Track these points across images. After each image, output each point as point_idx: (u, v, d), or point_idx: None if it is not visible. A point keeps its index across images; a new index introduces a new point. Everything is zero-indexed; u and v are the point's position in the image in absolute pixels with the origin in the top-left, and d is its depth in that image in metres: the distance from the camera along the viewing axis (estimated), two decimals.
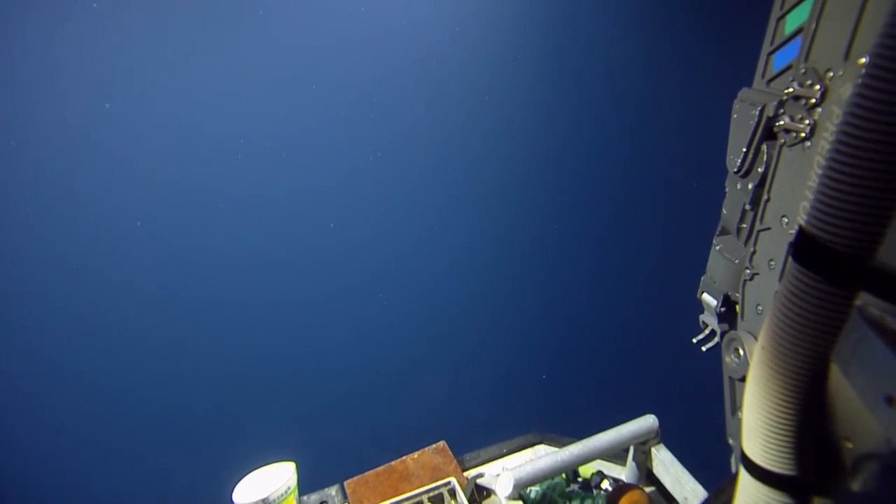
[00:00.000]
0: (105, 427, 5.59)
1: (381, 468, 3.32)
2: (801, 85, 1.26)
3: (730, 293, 1.68)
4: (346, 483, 3.26)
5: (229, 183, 5.83)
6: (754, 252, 1.52)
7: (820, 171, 0.83)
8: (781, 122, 1.33)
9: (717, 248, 1.69)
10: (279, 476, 2.72)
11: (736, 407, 1.69)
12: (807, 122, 1.26)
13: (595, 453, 2.84)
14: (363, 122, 6.25)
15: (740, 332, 1.62)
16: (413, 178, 6.59)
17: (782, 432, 0.92)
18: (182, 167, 5.61)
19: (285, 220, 6.13)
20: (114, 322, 5.56)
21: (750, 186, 1.47)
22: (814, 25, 1.23)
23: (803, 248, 0.82)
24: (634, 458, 3.03)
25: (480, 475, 3.29)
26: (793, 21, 1.33)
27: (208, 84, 5.59)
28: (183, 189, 5.64)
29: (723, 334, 1.72)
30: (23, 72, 4.92)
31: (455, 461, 3.33)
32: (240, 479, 2.76)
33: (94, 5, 4.91)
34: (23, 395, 5.41)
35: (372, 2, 5.93)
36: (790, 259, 0.85)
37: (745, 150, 1.45)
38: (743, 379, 1.59)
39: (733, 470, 1.67)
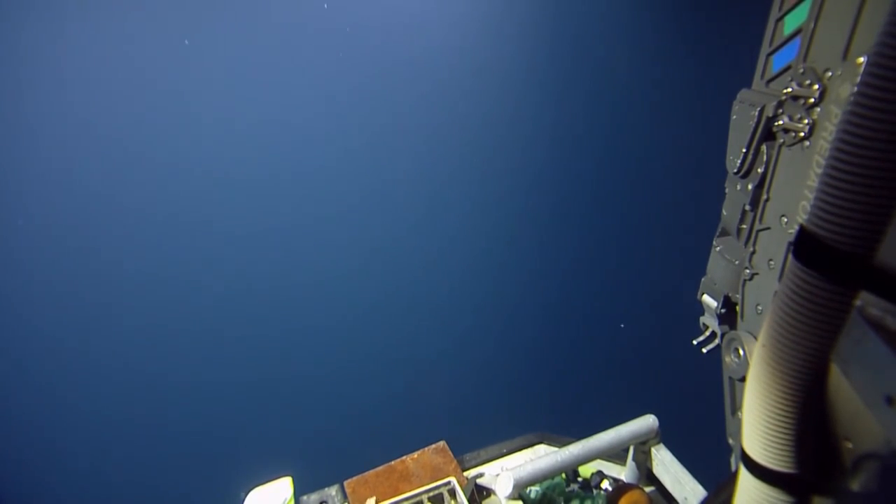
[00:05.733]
0: (109, 441, 5.59)
1: (381, 468, 3.32)
2: (799, 85, 1.27)
3: (730, 294, 1.68)
4: (346, 483, 3.25)
5: (232, 194, 5.81)
6: (754, 252, 1.52)
7: (820, 171, 0.83)
8: (780, 122, 1.34)
9: (717, 249, 1.69)
10: (276, 494, 2.85)
11: (736, 407, 1.69)
12: (806, 121, 1.26)
13: (595, 453, 2.84)
14: (373, 130, 6.25)
15: (740, 332, 1.62)
16: (413, 183, 6.59)
17: (782, 430, 0.92)
18: (183, 189, 5.58)
19: (286, 227, 6.12)
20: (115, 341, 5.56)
21: (749, 187, 1.48)
22: (812, 26, 1.23)
23: (804, 246, 0.82)
24: (634, 458, 3.03)
25: (480, 475, 3.29)
26: (791, 22, 1.33)
27: (208, 86, 5.58)
28: (185, 208, 5.61)
29: (723, 335, 1.72)
30: (25, 73, 4.93)
31: (455, 461, 3.33)
32: (243, 486, 2.87)
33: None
34: (35, 420, 5.42)
35: (379, 6, 5.94)
36: (791, 257, 0.85)
37: (744, 150, 1.45)
38: (743, 379, 1.59)
39: (733, 469, 1.67)
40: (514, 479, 2.61)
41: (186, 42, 5.23)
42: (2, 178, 5.12)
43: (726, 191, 1.61)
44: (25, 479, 5.48)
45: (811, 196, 0.94)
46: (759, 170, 1.44)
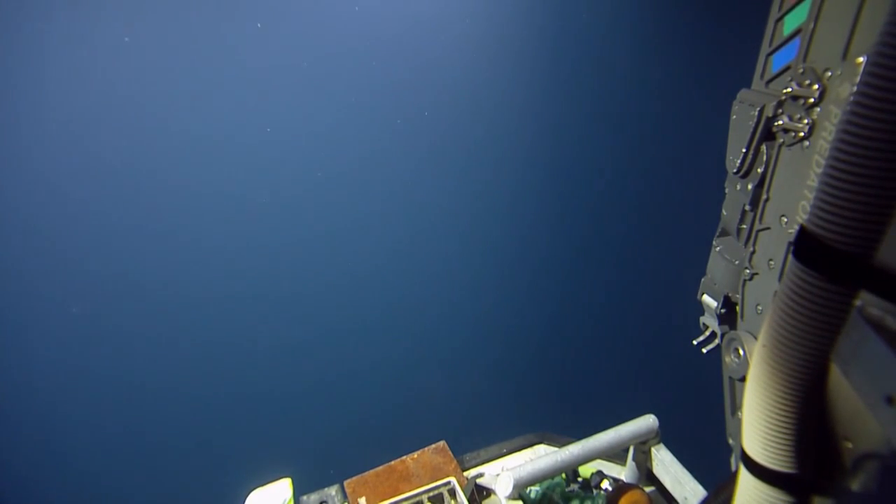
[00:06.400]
0: (110, 443, 5.59)
1: (381, 468, 3.32)
2: (799, 85, 1.27)
3: (730, 294, 1.68)
4: (346, 483, 3.26)
5: (233, 197, 5.80)
6: (754, 252, 1.52)
7: (820, 171, 0.83)
8: (780, 122, 1.34)
9: (717, 249, 1.69)
10: (276, 495, 2.87)
11: (736, 407, 1.69)
12: (805, 121, 1.26)
13: (595, 453, 2.84)
14: (380, 131, 6.26)
15: (740, 332, 1.62)
16: (414, 180, 6.60)
17: (782, 430, 0.92)
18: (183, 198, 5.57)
19: (280, 222, 6.12)
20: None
21: (749, 187, 1.48)
22: (812, 26, 1.23)
23: (804, 246, 0.82)
24: (634, 458, 3.03)
25: (480, 475, 3.29)
26: (791, 22, 1.34)
27: (211, 89, 5.56)
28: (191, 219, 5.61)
29: (723, 335, 1.72)
30: (27, 75, 4.91)
31: (455, 461, 3.34)
32: (244, 488, 2.89)
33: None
34: (33, 422, 5.43)
35: (387, 9, 5.93)
36: (791, 257, 0.86)
37: (744, 150, 1.45)
38: (743, 379, 1.59)
39: (733, 469, 1.68)
40: (514, 479, 2.61)
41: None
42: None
43: (726, 191, 1.62)
44: (24, 482, 5.48)
45: (811, 196, 0.94)
46: (759, 170, 1.44)
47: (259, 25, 5.62)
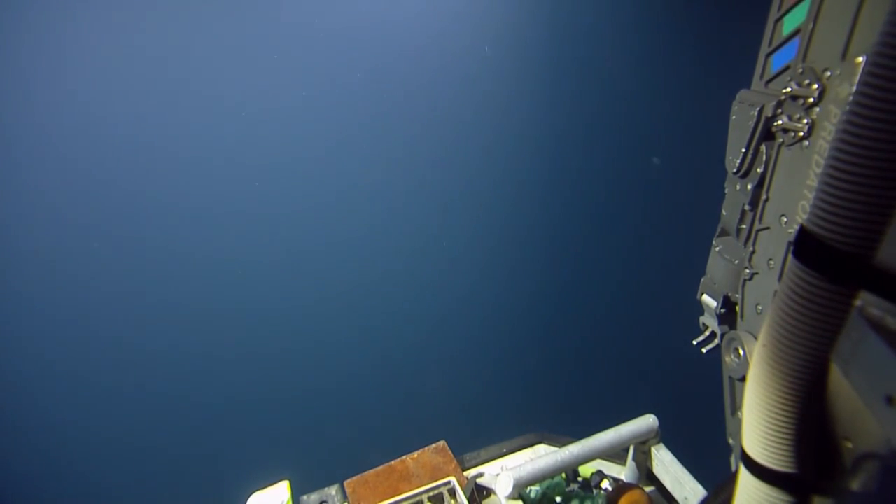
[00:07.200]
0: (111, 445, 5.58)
1: (381, 468, 3.32)
2: (798, 85, 1.27)
3: (730, 294, 1.68)
4: (346, 483, 3.26)
5: (239, 196, 5.81)
6: (753, 252, 1.52)
7: (820, 170, 0.83)
8: (780, 122, 1.34)
9: (717, 249, 1.69)
10: (274, 497, 2.88)
11: (736, 407, 1.69)
12: (805, 121, 1.26)
13: (595, 453, 2.84)
14: (376, 128, 6.26)
15: (740, 332, 1.62)
16: (416, 179, 6.60)
17: (782, 429, 0.92)
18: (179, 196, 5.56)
19: (280, 223, 6.12)
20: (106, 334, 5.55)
21: (749, 187, 1.48)
22: (811, 26, 1.23)
23: (804, 246, 0.82)
24: (634, 458, 3.03)
25: (480, 475, 3.29)
26: (791, 22, 1.33)
27: (217, 90, 5.57)
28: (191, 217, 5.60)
29: (723, 335, 1.72)
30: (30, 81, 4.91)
31: (455, 461, 3.33)
32: (244, 490, 2.91)
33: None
34: (32, 423, 5.43)
35: (383, 11, 5.93)
36: (791, 257, 0.86)
37: (744, 150, 1.45)
38: (743, 379, 1.59)
39: (733, 469, 1.67)
40: (514, 479, 2.61)
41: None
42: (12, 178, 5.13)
43: (726, 191, 1.62)
44: (25, 485, 5.47)
45: (811, 196, 0.94)
46: (759, 170, 1.44)
47: (267, 28, 5.63)
